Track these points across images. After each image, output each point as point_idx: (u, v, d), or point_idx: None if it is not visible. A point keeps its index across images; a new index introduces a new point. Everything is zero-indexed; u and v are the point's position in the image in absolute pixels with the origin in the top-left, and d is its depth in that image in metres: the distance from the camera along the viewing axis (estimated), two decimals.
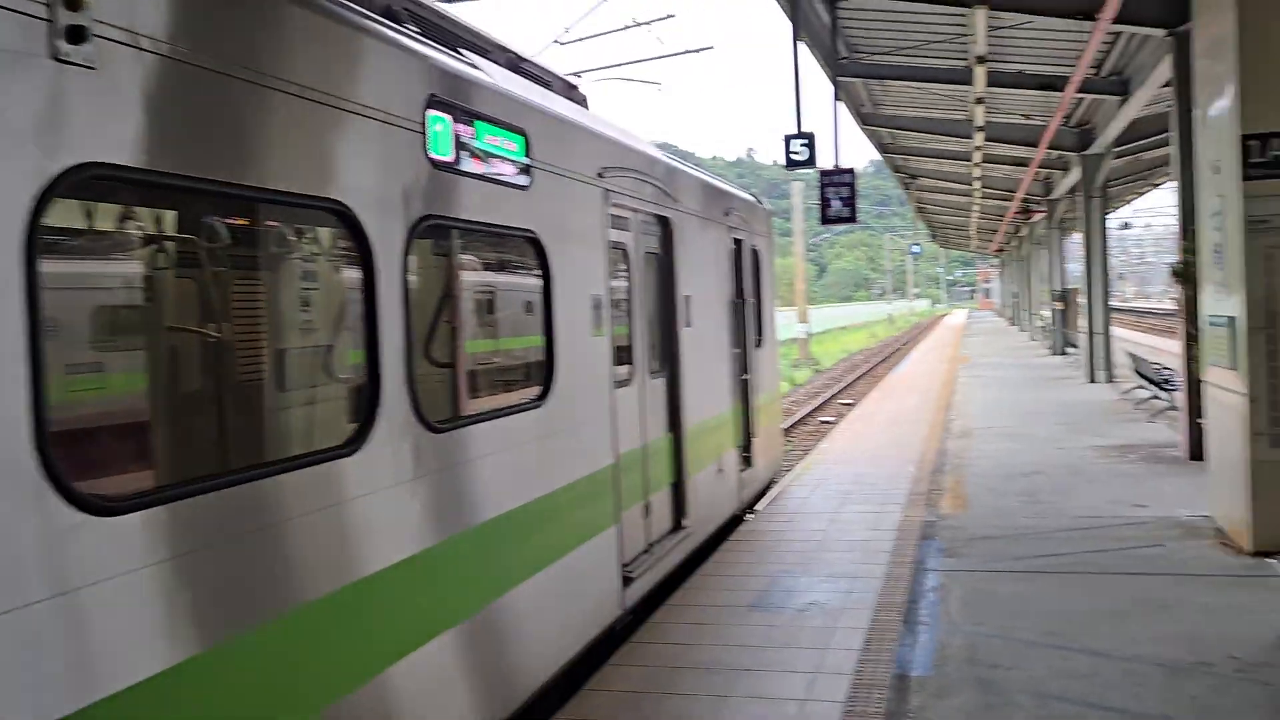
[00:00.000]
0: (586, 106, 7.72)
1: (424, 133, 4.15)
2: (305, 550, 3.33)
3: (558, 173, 5.52)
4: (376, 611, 3.68)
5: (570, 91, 7.53)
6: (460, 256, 4.89)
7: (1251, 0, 6.81)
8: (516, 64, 6.61)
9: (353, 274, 3.79)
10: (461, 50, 5.06)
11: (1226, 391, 7.35)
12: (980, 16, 10.43)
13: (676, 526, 7.49)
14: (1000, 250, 56.39)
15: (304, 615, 3.28)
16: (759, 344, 10.31)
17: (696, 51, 14.86)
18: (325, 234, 3.94)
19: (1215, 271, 7.47)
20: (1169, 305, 78.13)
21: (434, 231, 4.37)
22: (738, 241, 9.64)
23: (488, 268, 5.30)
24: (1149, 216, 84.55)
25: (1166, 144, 19.18)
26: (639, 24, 13.67)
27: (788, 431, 19.85)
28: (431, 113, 4.21)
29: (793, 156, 10.16)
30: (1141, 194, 33.57)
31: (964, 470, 10.94)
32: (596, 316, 5.97)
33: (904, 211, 71.49)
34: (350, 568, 3.55)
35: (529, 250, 5.30)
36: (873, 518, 8.77)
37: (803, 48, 13.04)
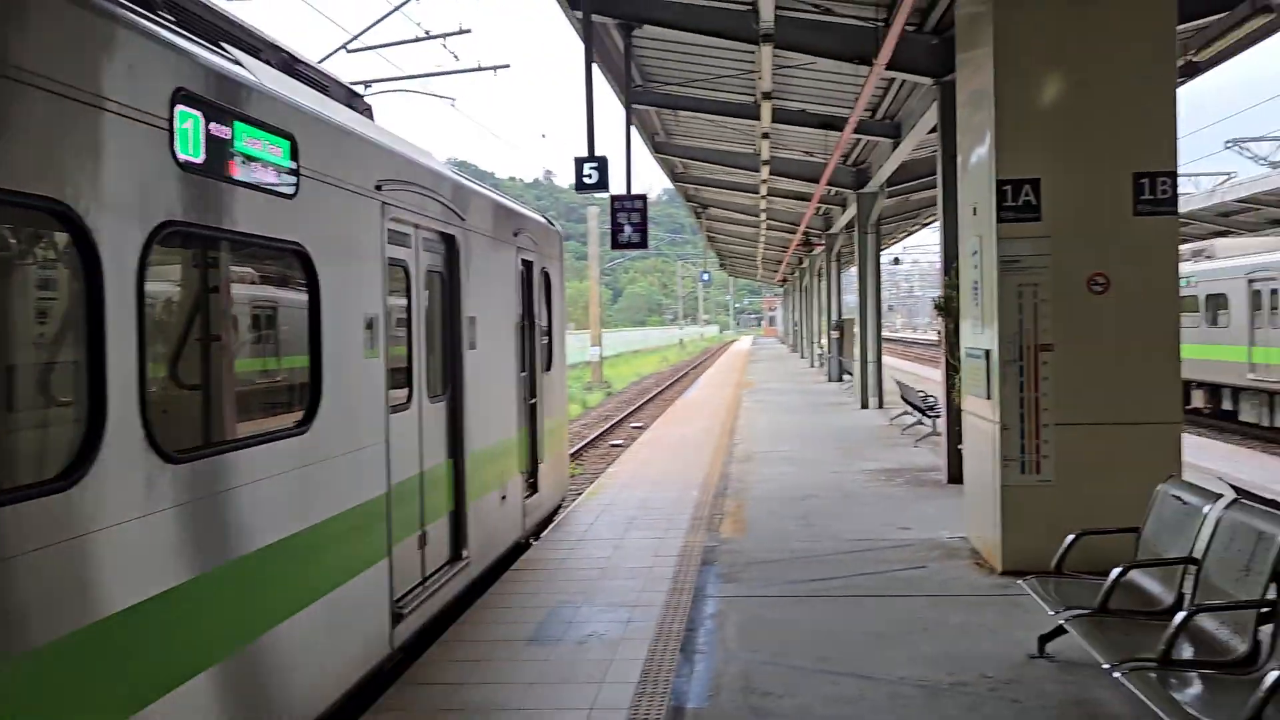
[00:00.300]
0: (371, 116, 7.37)
1: (170, 130, 3.74)
2: (19, 595, 2.91)
3: (329, 182, 5.17)
4: (108, 659, 3.26)
5: (352, 99, 7.16)
6: (213, 269, 4.46)
7: (1007, 58, 7.31)
8: (290, 65, 6.21)
9: (78, 283, 3.35)
10: (225, 46, 4.65)
11: (982, 420, 7.82)
12: (766, 54, 10.78)
13: (456, 557, 7.20)
14: (784, 280, 59.04)
15: (23, 665, 2.87)
16: (548, 368, 10.16)
17: (493, 69, 14.64)
18: (45, 237, 3.47)
19: (973, 307, 7.95)
20: (933, 336, 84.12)
21: (180, 240, 3.95)
22: (528, 263, 9.47)
23: (246, 282, 4.88)
24: (917, 253, 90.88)
25: (933, 186, 20.65)
26: (431, 36, 13.32)
27: (578, 455, 19.81)
28: (180, 109, 3.81)
29: (584, 180, 10.12)
30: (911, 232, 35.93)
31: (745, 494, 11.19)
32: (370, 337, 5.63)
33: (696, 239, 73.52)
34: (75, 612, 3.13)
35: (295, 264, 4.93)
36: (656, 543, 8.77)
37: (598, 72, 13.11)
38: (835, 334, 29.43)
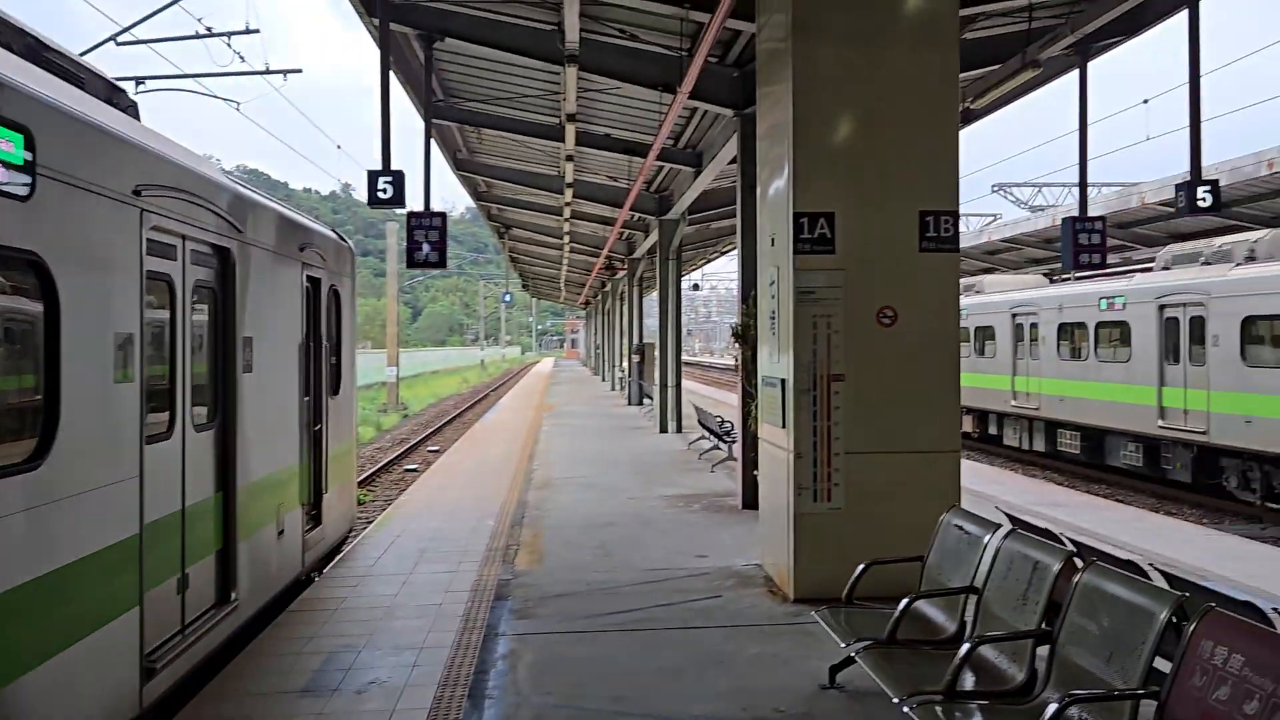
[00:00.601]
0: (136, 115, 6.69)
1: None
2: None
3: (76, 184, 4.57)
4: None
5: (114, 95, 6.48)
6: None
7: (804, 94, 7.45)
8: (37, 52, 5.52)
9: None
10: None
11: (776, 447, 7.90)
12: (571, 75, 10.67)
13: (224, 600, 6.56)
14: (587, 303, 59.35)
15: None
16: (335, 391, 9.57)
17: (282, 73, 13.82)
18: None
19: (770, 336, 8.04)
20: (730, 361, 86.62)
21: None
22: (315, 280, 8.89)
23: None
24: (716, 279, 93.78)
25: (733, 215, 21.19)
26: (213, 34, 12.43)
27: (369, 481, 18.97)
28: None
29: (378, 195, 9.62)
30: (711, 259, 36.86)
31: (542, 523, 10.92)
32: (123, 359, 5.02)
33: (499, 259, 72.84)
34: None
35: (29, 275, 4.31)
36: (448, 578, 8.36)
37: (397, 84, 12.61)
38: (636, 358, 29.70)
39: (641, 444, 19.05)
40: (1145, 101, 20.07)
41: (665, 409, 21.17)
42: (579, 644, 6.57)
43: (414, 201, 10.65)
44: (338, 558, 9.58)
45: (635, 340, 29.58)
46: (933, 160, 7.50)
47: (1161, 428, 17.37)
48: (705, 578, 8.33)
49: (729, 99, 11.27)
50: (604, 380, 45.28)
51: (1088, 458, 20.12)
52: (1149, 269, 19.08)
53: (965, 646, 4.27)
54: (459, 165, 19.22)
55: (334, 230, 10.30)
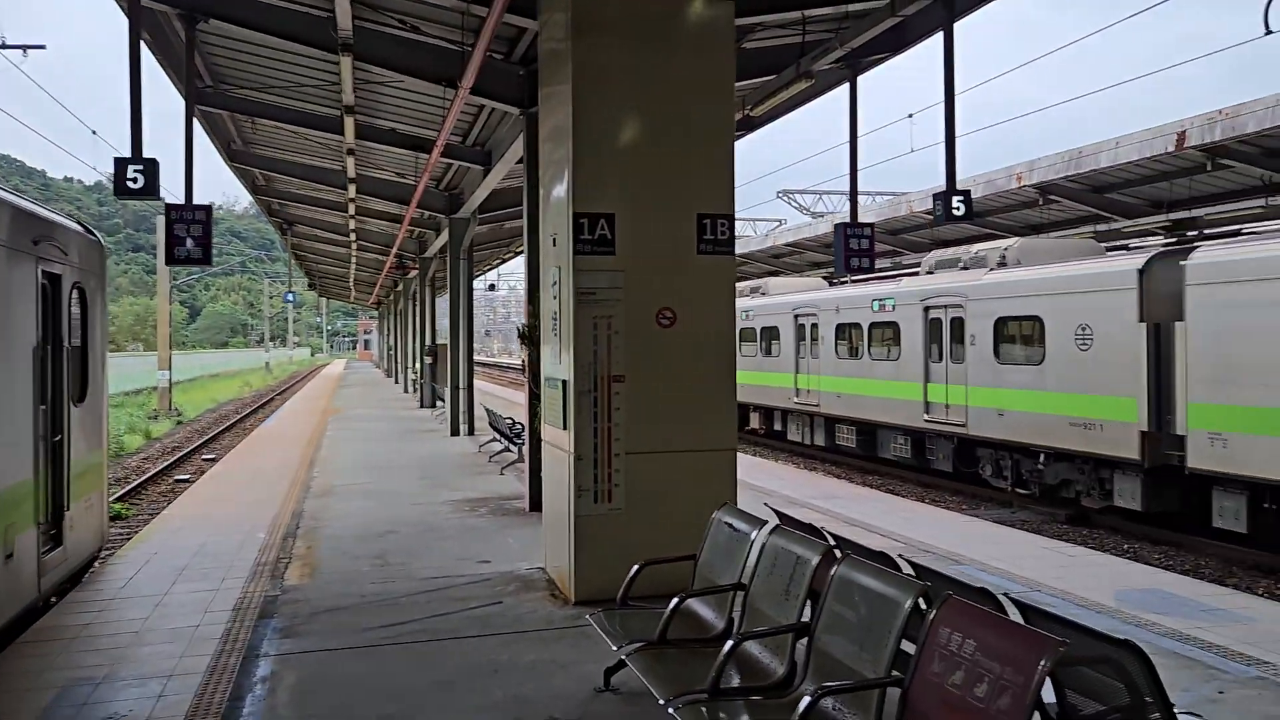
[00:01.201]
0: None
1: None
2: None
3: None
4: None
5: None
6: None
7: (584, 95, 7.40)
8: None
9: None
10: None
11: (558, 449, 7.82)
12: (347, 65, 10.21)
13: None
14: (379, 303, 57.61)
15: None
16: (81, 398, 8.74)
17: (22, 48, 12.54)
18: None
19: (553, 337, 7.96)
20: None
21: None
22: (54, 277, 8.08)
23: None
24: (514, 280, 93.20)
25: (520, 216, 21.03)
26: None
27: (132, 494, 17.61)
28: None
29: (127, 184, 8.83)
30: (506, 259, 36.53)
31: (318, 533, 10.40)
32: None
33: (286, 256, 69.70)
34: None
35: None
36: (208, 597, 7.79)
37: (159, 68, 11.71)
38: (429, 359, 29.02)
39: (431, 447, 18.57)
40: (910, 116, 21.37)
41: (457, 411, 20.75)
42: (348, 661, 6.24)
43: (178, 193, 9.92)
44: (83, 580, 8.76)
45: (428, 341, 28.89)
46: (711, 164, 7.63)
47: (927, 421, 18.55)
48: (487, 584, 8.15)
49: (514, 97, 11.12)
50: (396, 382, 44.03)
51: (863, 451, 21.25)
52: (916, 273, 20.34)
53: (729, 644, 4.31)
54: (232, 156, 18.12)
55: (80, 223, 9.42)
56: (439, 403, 27.65)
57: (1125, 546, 13.41)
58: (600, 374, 7.40)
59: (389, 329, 54.13)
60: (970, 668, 3.26)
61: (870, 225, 11.34)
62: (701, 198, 7.59)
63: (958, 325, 17.71)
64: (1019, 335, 16.45)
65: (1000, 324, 16.66)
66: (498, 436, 16.82)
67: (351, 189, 17.54)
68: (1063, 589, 7.79)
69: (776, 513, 5.54)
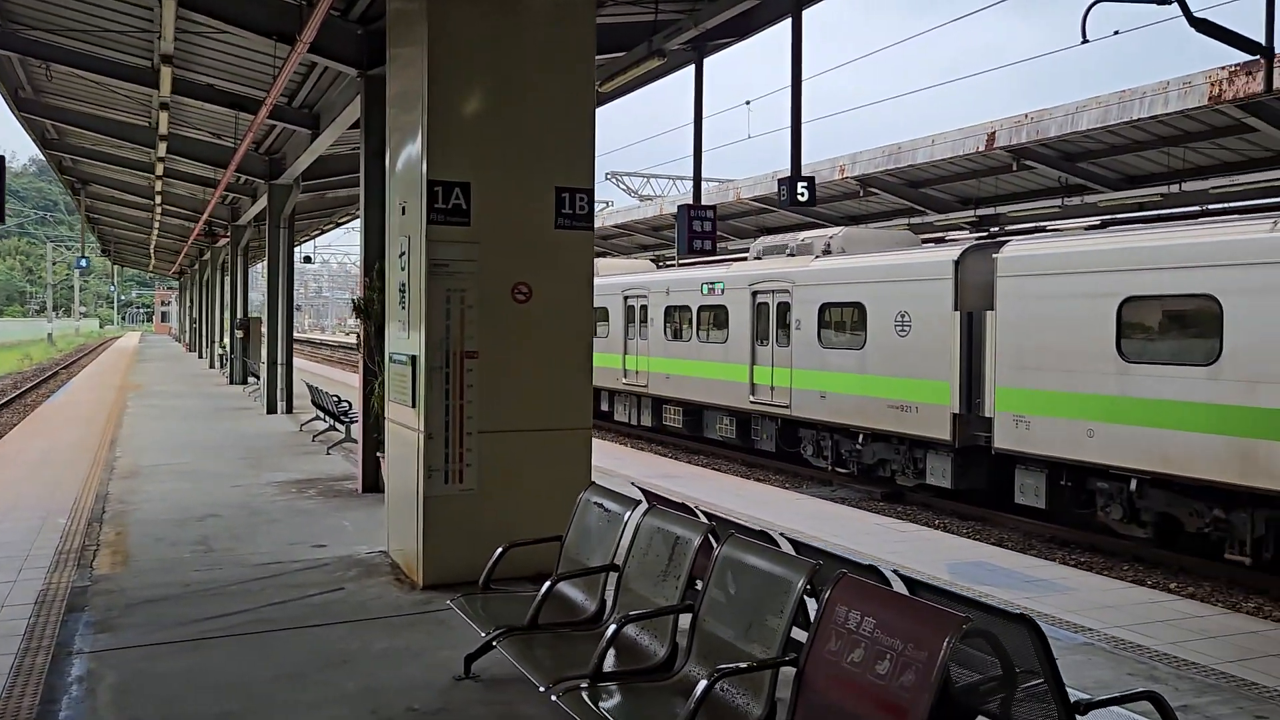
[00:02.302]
0: None
1: None
2: None
3: None
4: None
5: None
6: None
7: (440, 59, 7.05)
8: None
9: None
10: None
11: (405, 428, 7.49)
12: (169, 10, 9.36)
13: None
14: (181, 273, 54.13)
15: None
16: None
17: None
18: None
19: (399, 310, 7.59)
20: (341, 338, 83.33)
21: None
22: None
23: None
24: (329, 253, 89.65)
25: (351, 184, 20.11)
26: None
27: None
28: None
29: None
30: (326, 230, 34.99)
31: (128, 518, 9.60)
32: None
33: (73, 220, 64.37)
34: None
35: None
36: (3, 590, 7.02)
37: None
38: (240, 333, 27.44)
39: (248, 426, 17.55)
40: (748, 103, 21.83)
41: (274, 388, 19.69)
42: (176, 655, 5.75)
43: None
44: None
45: (240, 314, 27.30)
46: (570, 137, 7.44)
47: (752, 403, 19.04)
48: (325, 569, 7.72)
49: (353, 57, 10.52)
50: (201, 357, 41.49)
51: (689, 431, 21.61)
52: (744, 258, 20.79)
53: (612, 627, 4.20)
54: (20, 105, 16.42)
55: None
56: (251, 379, 26.20)
57: (936, 522, 14.18)
58: (453, 349, 7.10)
59: (192, 300, 50.90)
60: (870, 645, 3.28)
61: (713, 208, 11.47)
62: (560, 171, 7.39)
63: (784, 310, 18.22)
64: (842, 321, 17.09)
65: (824, 309, 17.24)
66: (321, 415, 16.06)
67: (161, 148, 16.22)
68: (902, 563, 8.10)
69: (646, 493, 5.46)
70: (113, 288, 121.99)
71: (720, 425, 20.42)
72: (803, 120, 10.25)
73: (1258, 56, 10.84)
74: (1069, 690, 3.28)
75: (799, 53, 9.98)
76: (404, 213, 7.51)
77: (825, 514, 10.62)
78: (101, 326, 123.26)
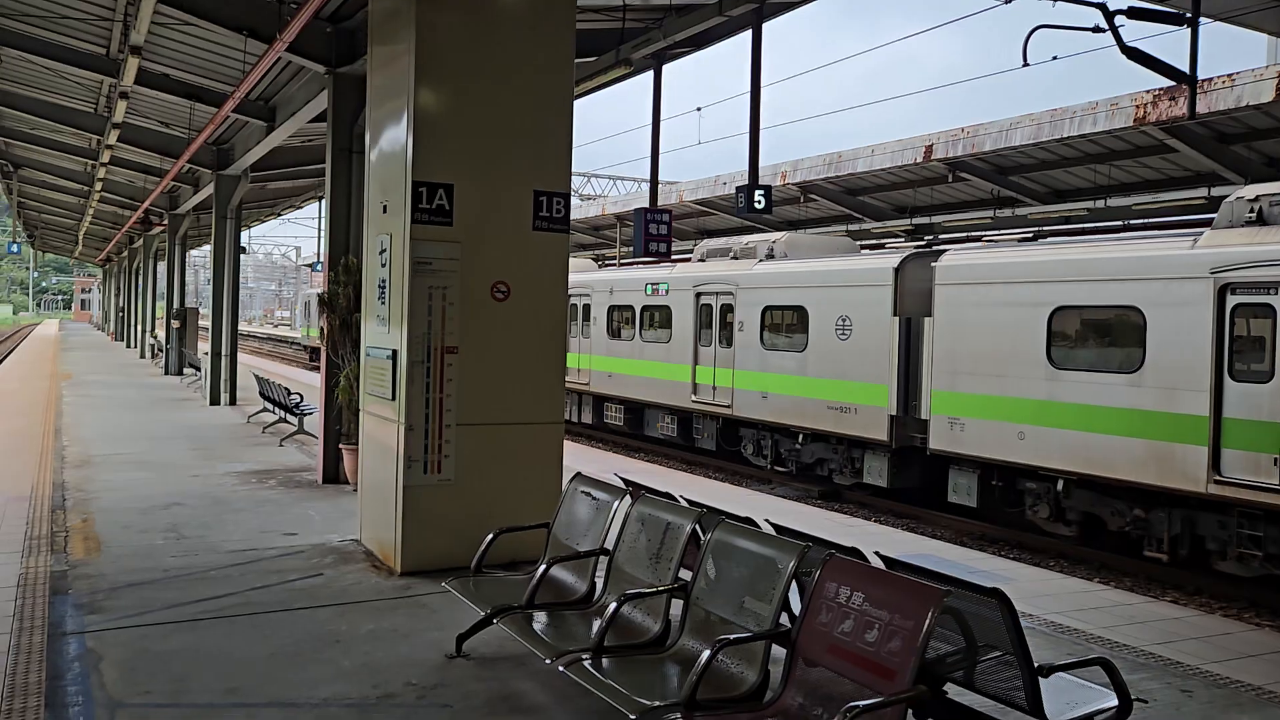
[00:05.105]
0: None
1: None
2: None
3: None
4: None
5: None
6: None
7: (428, 60, 7.29)
8: None
9: None
10: None
11: (384, 420, 7.72)
12: (148, 3, 9.40)
13: None
14: (108, 260, 52.80)
15: None
16: None
17: None
18: None
19: (379, 306, 7.82)
20: (270, 330, 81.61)
21: None
22: None
23: None
24: (258, 244, 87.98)
25: (298, 176, 20.06)
26: None
27: None
28: None
29: None
30: (265, 220, 34.55)
31: (91, 505, 9.63)
32: None
33: (7, 203, 62.16)
34: None
35: None
36: None
37: None
38: (176, 324, 27.04)
39: (193, 417, 17.43)
40: (699, 109, 22.28)
41: (218, 380, 19.55)
42: (172, 635, 5.94)
43: None
44: None
45: (176, 304, 26.91)
46: (549, 141, 7.75)
47: (694, 402, 19.49)
48: (300, 556, 7.92)
49: (322, 55, 10.67)
50: (131, 347, 40.59)
51: (630, 429, 21.99)
52: (689, 259, 21.24)
53: (613, 604, 4.55)
54: None
55: None
56: (189, 370, 25.86)
57: (873, 519, 14.78)
58: (434, 345, 7.37)
59: (120, 288, 49.67)
60: (859, 617, 3.69)
61: (669, 211, 11.86)
62: (539, 174, 7.70)
63: (727, 311, 18.70)
64: (784, 324, 17.62)
65: (767, 312, 17.74)
66: (270, 407, 16.07)
67: (112, 135, 16.05)
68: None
69: (629, 483, 5.82)
70: (35, 273, 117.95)
71: (662, 423, 20.82)
72: (738, 133, 10.66)
73: (1181, 84, 11.62)
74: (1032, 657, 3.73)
75: (758, 64, 10.41)
76: (385, 211, 7.74)
77: (781, 509, 11.10)
78: (15, 313, 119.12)
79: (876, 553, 4.27)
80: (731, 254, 19.65)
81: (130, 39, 10.51)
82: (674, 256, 23.82)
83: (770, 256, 18.55)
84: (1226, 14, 10.76)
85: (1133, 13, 11.09)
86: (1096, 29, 11.26)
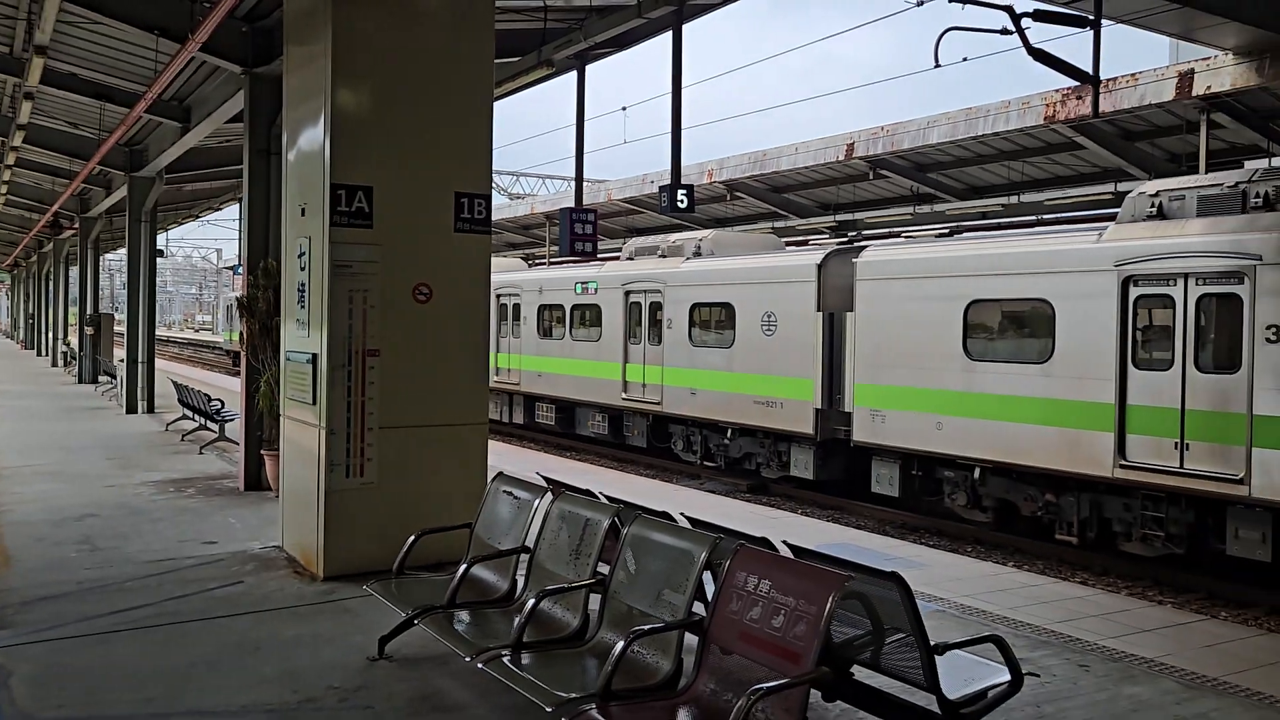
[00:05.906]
0: None
1: None
2: None
3: None
4: None
5: None
6: None
7: (345, 61, 7.24)
8: None
9: None
10: None
11: (305, 425, 7.66)
12: (52, 2, 9.17)
13: None
14: (15, 265, 51.04)
15: None
16: None
17: None
18: None
19: (299, 310, 7.75)
20: (191, 335, 79.66)
21: None
22: None
23: None
24: (175, 245, 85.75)
25: (215, 178, 19.67)
26: None
27: None
28: None
29: None
30: (183, 223, 33.75)
31: (0, 518, 9.37)
32: None
33: None
34: None
35: None
36: None
37: None
38: (90, 330, 26.30)
39: (108, 426, 17.00)
40: (624, 109, 22.37)
41: (135, 387, 19.08)
42: (85, 648, 5.83)
43: None
44: None
45: (90, 310, 26.16)
46: (469, 143, 7.76)
47: (625, 400, 19.59)
48: (220, 564, 7.81)
49: (239, 55, 10.50)
50: (43, 355, 39.33)
51: (561, 428, 22.02)
52: (618, 258, 21.32)
53: (530, 600, 4.61)
54: None
55: None
56: (104, 378, 25.17)
57: (800, 510, 15.04)
58: (355, 348, 7.33)
59: (29, 294, 48.06)
60: (767, 604, 3.80)
61: (594, 211, 11.93)
62: (459, 176, 7.70)
63: (656, 309, 18.83)
64: (712, 320, 17.81)
65: (695, 309, 17.92)
66: (190, 414, 15.75)
67: (17, 137, 15.57)
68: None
69: (550, 481, 5.87)
70: None
71: (593, 422, 20.88)
72: (664, 131, 10.80)
73: (1086, 84, 12.05)
74: (928, 636, 3.89)
75: (679, 65, 10.54)
76: (304, 214, 7.68)
77: (711, 504, 11.26)
78: None
79: (784, 541, 4.40)
80: (659, 252, 19.78)
81: (35, 38, 10.24)
82: (604, 255, 23.94)
83: (697, 254, 18.73)
84: (1128, 16, 11.20)
85: (1038, 15, 11.47)
86: (1004, 31, 11.62)
